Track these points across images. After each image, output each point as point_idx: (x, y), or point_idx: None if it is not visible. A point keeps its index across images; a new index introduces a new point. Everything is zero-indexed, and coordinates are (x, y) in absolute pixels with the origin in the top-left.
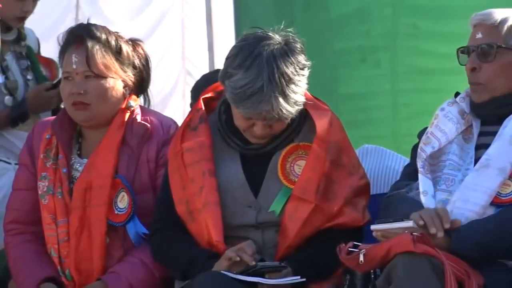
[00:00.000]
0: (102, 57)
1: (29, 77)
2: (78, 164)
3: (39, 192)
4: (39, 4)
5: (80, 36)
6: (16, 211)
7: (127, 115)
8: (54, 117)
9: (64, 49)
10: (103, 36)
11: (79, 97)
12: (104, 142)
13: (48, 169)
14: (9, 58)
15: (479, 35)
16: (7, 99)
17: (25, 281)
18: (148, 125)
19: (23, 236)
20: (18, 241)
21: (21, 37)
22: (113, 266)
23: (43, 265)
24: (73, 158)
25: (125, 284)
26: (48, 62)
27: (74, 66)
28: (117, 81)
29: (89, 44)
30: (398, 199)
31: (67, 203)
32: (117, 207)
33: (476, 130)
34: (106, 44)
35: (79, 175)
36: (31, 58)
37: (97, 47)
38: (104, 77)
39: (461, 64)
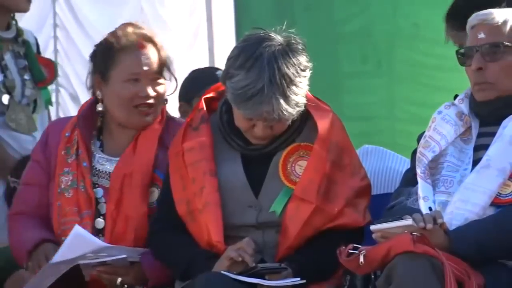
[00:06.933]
0: (162, 60)
1: (26, 77)
2: (104, 159)
3: (62, 186)
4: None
5: (147, 38)
6: (22, 204)
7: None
8: (69, 116)
9: (123, 49)
10: (158, 41)
11: (148, 100)
12: (145, 134)
13: (71, 165)
14: (8, 57)
15: (481, 35)
16: (5, 97)
17: (21, 245)
18: None
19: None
20: (21, 223)
21: (18, 33)
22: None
23: (40, 230)
24: (96, 154)
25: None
26: (48, 62)
27: (146, 68)
28: (166, 83)
29: (152, 46)
30: (400, 211)
31: (90, 196)
32: None
33: (475, 131)
34: (160, 49)
35: (109, 168)
36: (29, 57)
37: (160, 50)
38: (164, 78)
39: (462, 65)
